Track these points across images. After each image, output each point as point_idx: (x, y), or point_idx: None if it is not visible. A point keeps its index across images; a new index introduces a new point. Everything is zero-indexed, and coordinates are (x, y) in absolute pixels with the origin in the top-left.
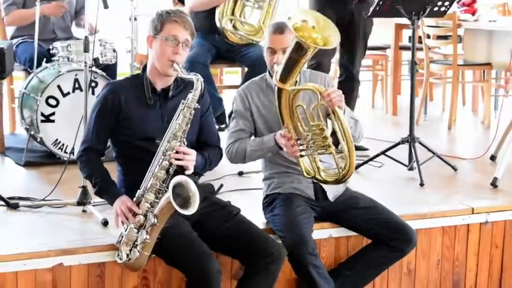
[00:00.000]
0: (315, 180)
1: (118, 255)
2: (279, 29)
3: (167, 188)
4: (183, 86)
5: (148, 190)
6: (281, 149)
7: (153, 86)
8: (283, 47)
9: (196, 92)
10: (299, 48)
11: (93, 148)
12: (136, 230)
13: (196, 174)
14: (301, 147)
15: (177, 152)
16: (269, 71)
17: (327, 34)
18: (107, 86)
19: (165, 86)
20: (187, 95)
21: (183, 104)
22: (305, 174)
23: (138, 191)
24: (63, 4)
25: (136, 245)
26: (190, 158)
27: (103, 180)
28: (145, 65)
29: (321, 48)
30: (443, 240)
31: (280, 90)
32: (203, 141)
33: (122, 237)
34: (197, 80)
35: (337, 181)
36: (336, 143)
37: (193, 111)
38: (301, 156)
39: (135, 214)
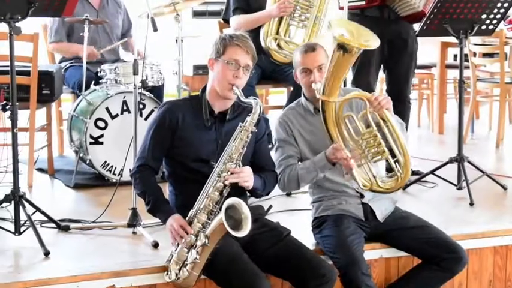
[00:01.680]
0: (364, 202)
1: (167, 273)
2: (310, 47)
3: (220, 209)
4: (240, 111)
5: (201, 210)
6: (333, 165)
7: (211, 108)
8: (318, 64)
9: (254, 116)
10: (342, 53)
11: (148, 165)
12: (186, 250)
13: (256, 195)
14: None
15: (231, 174)
16: (303, 94)
17: (364, 39)
18: (165, 104)
19: (223, 109)
20: (244, 119)
21: (240, 126)
22: (362, 187)
23: (191, 211)
24: (96, 53)
25: (186, 264)
26: (245, 174)
27: (157, 198)
28: (205, 86)
29: (364, 49)
30: (495, 260)
31: (324, 105)
32: (258, 165)
33: (172, 256)
34: (256, 104)
35: (397, 186)
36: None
37: (250, 135)
38: (358, 166)
39: (187, 233)
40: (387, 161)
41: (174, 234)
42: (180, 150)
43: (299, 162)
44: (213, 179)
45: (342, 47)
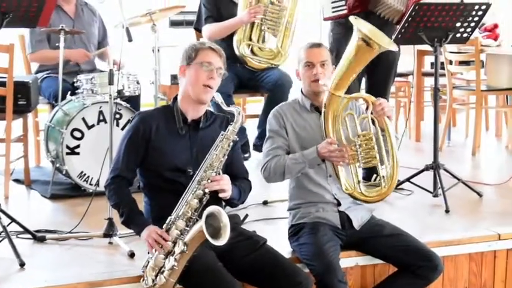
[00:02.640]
0: (341, 210)
1: (143, 279)
2: (315, 44)
3: (199, 217)
4: (212, 119)
5: (180, 217)
6: (323, 161)
7: (184, 116)
8: (322, 59)
9: (236, 125)
10: (363, 48)
11: (122, 176)
12: (163, 256)
13: (232, 204)
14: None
15: (212, 181)
16: (301, 91)
17: (387, 41)
18: (138, 115)
19: (196, 117)
20: (217, 128)
21: (222, 135)
22: (344, 189)
23: (169, 217)
24: (88, 54)
25: (163, 271)
26: (225, 182)
27: (131, 209)
28: (176, 95)
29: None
30: (470, 267)
31: (330, 98)
32: (232, 174)
33: (149, 262)
34: (238, 113)
35: (378, 198)
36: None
37: (231, 143)
38: (348, 164)
39: (165, 240)
40: (370, 169)
41: (152, 244)
42: (154, 160)
43: (276, 157)
44: (193, 187)
45: (365, 42)
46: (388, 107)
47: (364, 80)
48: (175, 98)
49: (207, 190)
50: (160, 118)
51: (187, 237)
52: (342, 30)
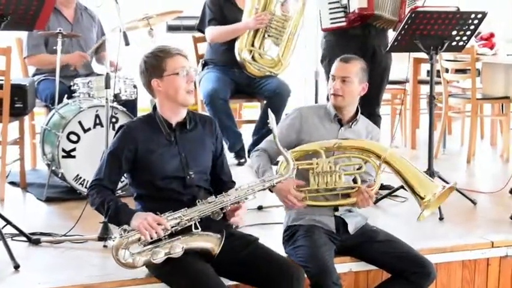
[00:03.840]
0: (337, 215)
1: (113, 238)
2: (345, 58)
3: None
4: (196, 120)
5: (185, 217)
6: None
7: (168, 123)
8: (343, 75)
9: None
10: None
11: (104, 185)
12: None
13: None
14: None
15: (235, 210)
16: (327, 98)
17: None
18: (121, 128)
19: (180, 120)
20: (201, 129)
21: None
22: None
23: (175, 213)
24: (85, 55)
25: (141, 253)
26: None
27: (117, 202)
28: (155, 105)
29: None
30: (463, 274)
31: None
32: (219, 176)
33: (131, 237)
34: (293, 168)
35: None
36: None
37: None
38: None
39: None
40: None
41: (147, 227)
42: (144, 171)
43: (263, 154)
44: (213, 207)
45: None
46: (365, 201)
47: None
48: (155, 107)
49: (232, 220)
50: (145, 128)
51: (188, 243)
52: (334, 37)
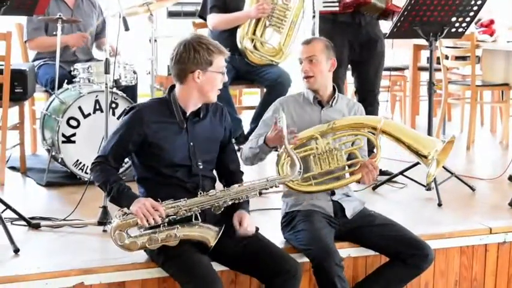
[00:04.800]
0: (334, 199)
1: (111, 222)
2: (305, 40)
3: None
4: (207, 110)
5: (183, 208)
6: (276, 149)
7: (183, 110)
8: (307, 55)
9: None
10: None
11: (107, 163)
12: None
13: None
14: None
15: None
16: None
17: None
18: (134, 109)
19: (195, 110)
20: (212, 117)
21: (267, 180)
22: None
23: (175, 202)
24: (85, 34)
25: (137, 236)
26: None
27: (120, 185)
28: (172, 87)
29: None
30: (461, 260)
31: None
32: (227, 164)
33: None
34: (299, 172)
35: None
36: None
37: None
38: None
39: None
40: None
41: (145, 212)
42: (152, 156)
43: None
44: (216, 202)
45: None
46: (372, 175)
47: (354, 76)
48: (172, 89)
49: (242, 231)
50: (158, 112)
51: (184, 232)
52: (329, 25)
